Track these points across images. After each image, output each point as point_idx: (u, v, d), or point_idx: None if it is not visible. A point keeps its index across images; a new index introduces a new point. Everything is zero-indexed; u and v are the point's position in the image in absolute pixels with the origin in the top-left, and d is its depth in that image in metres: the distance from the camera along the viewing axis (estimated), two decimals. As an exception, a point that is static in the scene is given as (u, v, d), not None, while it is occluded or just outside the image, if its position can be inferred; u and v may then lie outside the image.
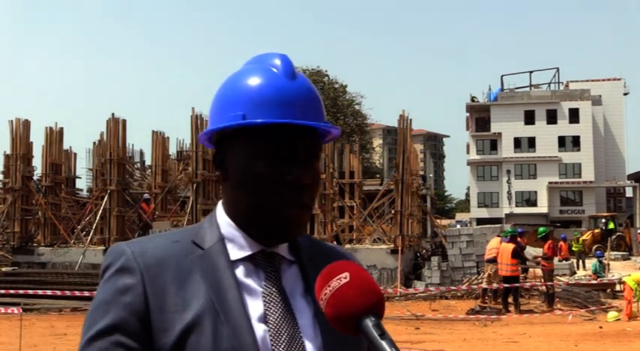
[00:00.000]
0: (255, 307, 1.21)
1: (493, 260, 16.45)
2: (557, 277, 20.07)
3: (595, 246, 29.93)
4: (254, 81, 1.25)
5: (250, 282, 1.24)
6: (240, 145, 1.25)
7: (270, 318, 1.20)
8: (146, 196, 23.20)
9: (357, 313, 1.03)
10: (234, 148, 1.26)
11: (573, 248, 28.41)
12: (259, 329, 1.19)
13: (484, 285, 16.72)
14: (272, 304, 1.22)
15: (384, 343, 0.99)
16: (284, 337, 1.19)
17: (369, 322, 1.02)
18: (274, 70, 1.26)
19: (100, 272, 1.26)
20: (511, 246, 15.65)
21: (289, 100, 1.23)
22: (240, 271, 1.24)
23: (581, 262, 26.53)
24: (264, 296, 1.22)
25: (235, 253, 1.26)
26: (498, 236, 17.10)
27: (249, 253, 1.26)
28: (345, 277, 1.05)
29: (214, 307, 1.18)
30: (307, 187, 1.24)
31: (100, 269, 1.27)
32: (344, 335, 1.17)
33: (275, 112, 1.22)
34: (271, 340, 1.19)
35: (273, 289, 1.24)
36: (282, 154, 1.22)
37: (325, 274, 1.08)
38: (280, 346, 1.18)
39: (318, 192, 1.32)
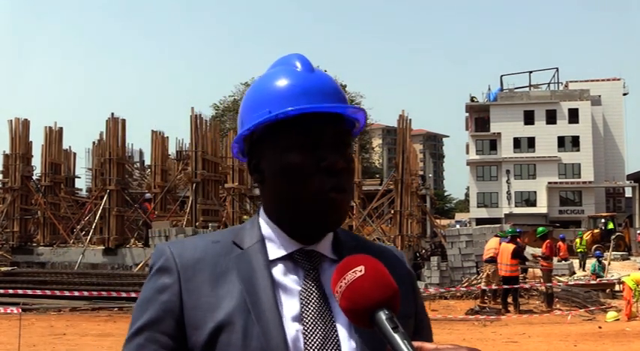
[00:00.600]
0: (291, 306, 1.22)
1: (491, 260, 16.46)
2: (557, 277, 20.08)
3: (594, 246, 29.95)
4: (277, 80, 1.29)
5: (288, 281, 1.25)
6: (270, 143, 1.28)
7: (306, 317, 1.21)
8: (148, 195, 23.20)
9: (372, 306, 1.04)
10: (265, 148, 1.29)
11: (578, 249, 28.31)
12: (292, 329, 1.19)
13: (483, 285, 16.72)
14: (309, 303, 1.22)
15: (396, 336, 1.00)
16: (318, 336, 1.19)
17: (383, 316, 1.03)
18: (295, 68, 1.31)
19: (148, 270, 1.33)
20: (511, 246, 15.65)
21: (312, 90, 1.27)
22: (278, 270, 1.26)
23: (582, 262, 26.46)
24: (301, 295, 1.23)
25: (274, 252, 1.28)
26: (497, 236, 17.09)
27: (288, 251, 1.28)
28: (361, 270, 1.06)
29: (247, 307, 1.20)
30: (342, 171, 1.25)
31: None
32: (381, 342, 1.16)
33: (301, 102, 1.25)
34: (304, 339, 1.19)
35: (312, 288, 1.24)
36: (313, 142, 1.25)
37: (341, 267, 1.09)
38: (313, 346, 1.19)
39: (353, 178, 1.33)
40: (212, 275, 1.24)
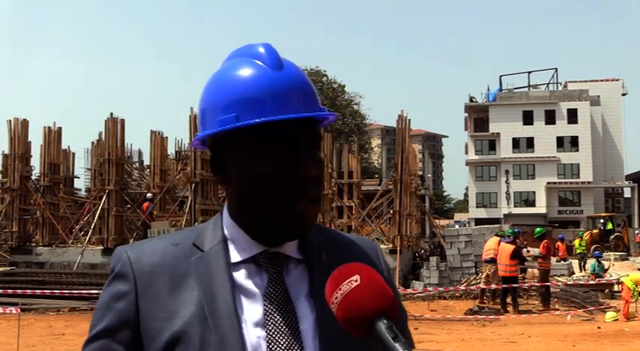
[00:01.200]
0: (253, 311, 1.17)
1: (492, 261, 16.45)
2: (556, 278, 20.08)
3: (593, 246, 29.95)
4: (242, 77, 1.20)
5: (251, 285, 1.19)
6: (238, 147, 1.20)
7: (270, 322, 1.16)
8: (149, 195, 23.18)
9: (369, 317, 1.01)
10: (232, 150, 1.21)
11: (577, 250, 28.22)
12: (253, 335, 1.15)
13: (482, 285, 16.73)
14: (273, 307, 1.17)
15: (397, 346, 0.98)
16: (282, 342, 1.15)
17: (382, 325, 1.01)
18: (260, 62, 1.21)
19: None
20: (510, 246, 15.67)
21: (281, 93, 1.18)
22: (240, 274, 1.20)
23: (582, 263, 26.30)
24: (265, 299, 1.18)
25: (237, 254, 1.22)
26: (496, 236, 17.09)
27: (251, 254, 1.22)
28: (356, 280, 1.04)
29: (204, 314, 1.15)
30: (313, 179, 1.19)
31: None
32: (350, 342, 1.15)
33: (268, 108, 1.16)
34: (268, 345, 1.15)
35: (276, 292, 1.19)
36: (283, 149, 1.18)
37: (335, 277, 1.06)
38: None
39: (323, 183, 1.27)
40: (170, 281, 1.18)
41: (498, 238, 16.64)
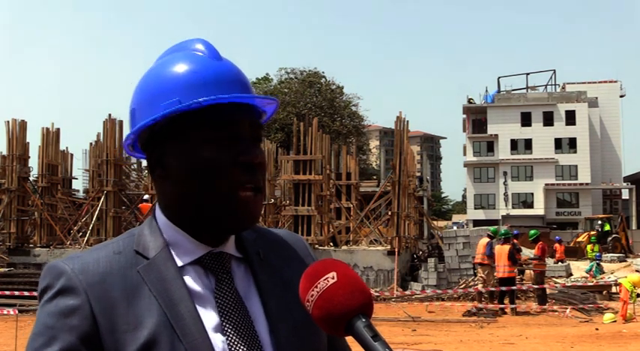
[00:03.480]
0: (210, 316, 1.13)
1: (481, 264, 16.71)
2: (554, 279, 20.11)
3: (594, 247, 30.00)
4: (182, 67, 1.16)
5: (201, 289, 1.15)
6: (178, 136, 1.15)
7: (227, 327, 1.12)
8: (146, 197, 23.17)
9: (347, 314, 0.98)
10: (170, 141, 1.16)
11: (589, 255, 27.92)
12: (217, 341, 1.11)
13: (479, 287, 16.75)
14: (226, 311, 1.14)
15: (377, 345, 0.96)
16: (242, 346, 1.12)
17: (361, 324, 0.98)
18: (200, 53, 1.19)
19: (38, 295, 1.15)
20: (507, 248, 15.73)
21: (223, 80, 1.16)
22: (189, 278, 1.15)
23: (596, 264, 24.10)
24: (217, 303, 1.14)
25: (181, 258, 1.16)
26: (488, 236, 17.19)
27: (196, 256, 1.17)
28: (333, 278, 1.01)
29: (169, 323, 1.09)
30: (259, 166, 1.16)
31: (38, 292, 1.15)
32: (302, 338, 1.15)
33: (211, 92, 1.13)
34: (230, 350, 1.11)
35: (226, 293, 1.15)
36: (229, 135, 1.14)
37: (310, 274, 1.03)
38: None
39: (266, 175, 1.24)
40: (123, 291, 1.11)
41: (488, 239, 16.73)
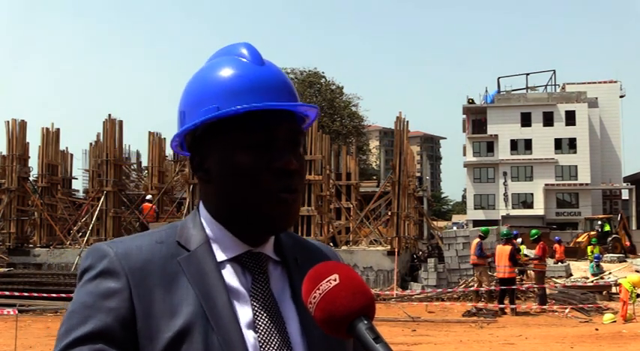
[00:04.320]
0: (244, 312, 1.15)
1: (474, 265, 16.91)
2: (554, 279, 20.11)
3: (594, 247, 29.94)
4: (224, 72, 1.20)
5: (238, 285, 1.18)
6: (218, 141, 1.19)
7: (260, 324, 1.15)
8: (149, 197, 23.18)
9: (349, 316, 0.99)
10: (212, 145, 1.20)
11: (589, 257, 27.79)
12: (250, 337, 1.13)
13: (478, 288, 16.78)
14: (261, 309, 1.16)
15: (379, 347, 0.96)
16: (274, 344, 1.14)
17: (363, 326, 0.98)
18: (243, 59, 1.21)
19: (78, 274, 1.17)
20: (508, 248, 15.75)
21: (263, 86, 1.18)
22: (227, 274, 1.18)
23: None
24: (252, 301, 1.17)
25: (221, 254, 1.20)
26: (479, 237, 17.28)
27: (236, 253, 1.20)
28: (335, 280, 1.02)
29: (204, 314, 1.12)
30: (295, 172, 1.18)
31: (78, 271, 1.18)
32: (332, 343, 1.16)
33: (250, 99, 1.16)
34: (261, 347, 1.13)
35: (262, 292, 1.18)
36: (265, 141, 1.17)
37: (313, 277, 1.04)
38: None
39: (304, 179, 1.27)
40: (162, 279, 1.13)
41: (478, 240, 16.85)
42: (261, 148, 1.17)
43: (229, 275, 1.18)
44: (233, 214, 1.20)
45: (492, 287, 16.54)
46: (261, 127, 1.17)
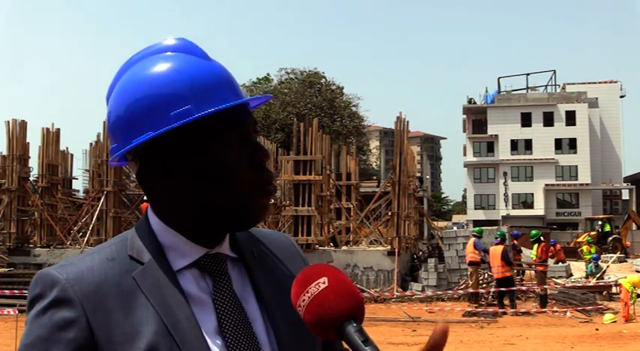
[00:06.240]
0: (208, 319, 1.11)
1: (470, 263, 16.99)
2: (554, 280, 20.10)
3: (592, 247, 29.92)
4: (181, 71, 1.12)
5: (198, 292, 1.12)
6: (188, 141, 1.10)
7: (226, 329, 1.11)
8: (147, 197, 23.18)
9: (338, 319, 0.99)
10: (179, 146, 1.10)
11: (586, 256, 27.76)
12: (215, 345, 1.09)
13: (477, 288, 16.80)
14: (225, 313, 1.12)
15: (367, 350, 0.97)
16: (241, 347, 1.10)
17: (352, 328, 0.98)
18: (190, 55, 1.16)
19: (27, 302, 1.09)
20: (500, 248, 15.78)
21: (222, 81, 1.14)
22: (185, 282, 1.12)
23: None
24: (216, 306, 1.12)
25: (178, 261, 1.13)
26: (474, 236, 17.27)
27: (193, 259, 1.14)
28: (324, 282, 1.01)
29: (167, 331, 1.06)
30: (266, 166, 1.17)
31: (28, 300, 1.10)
32: (300, 338, 1.15)
33: (218, 95, 1.11)
34: None
35: (224, 295, 1.13)
36: (240, 136, 1.14)
37: (302, 280, 1.03)
38: None
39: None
40: (119, 300, 1.07)
41: (474, 239, 16.93)
42: (239, 143, 1.13)
43: (188, 283, 1.12)
44: (205, 214, 1.12)
45: (481, 290, 16.71)
46: (238, 121, 1.13)
